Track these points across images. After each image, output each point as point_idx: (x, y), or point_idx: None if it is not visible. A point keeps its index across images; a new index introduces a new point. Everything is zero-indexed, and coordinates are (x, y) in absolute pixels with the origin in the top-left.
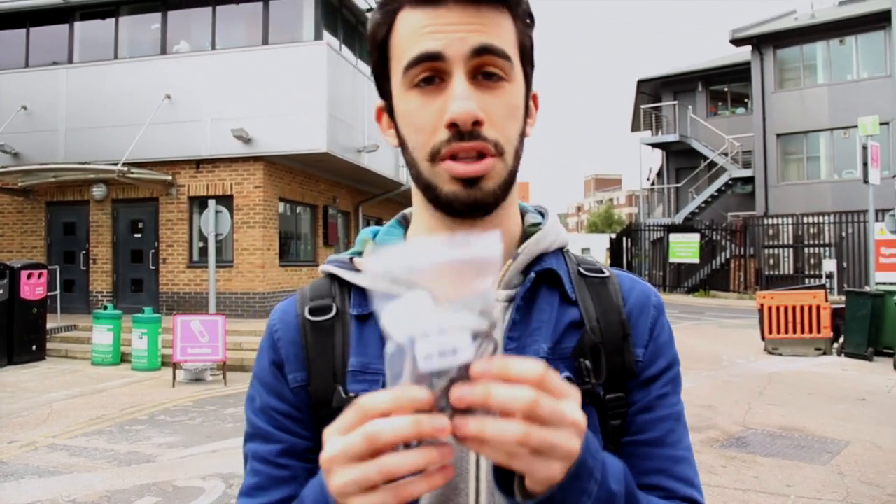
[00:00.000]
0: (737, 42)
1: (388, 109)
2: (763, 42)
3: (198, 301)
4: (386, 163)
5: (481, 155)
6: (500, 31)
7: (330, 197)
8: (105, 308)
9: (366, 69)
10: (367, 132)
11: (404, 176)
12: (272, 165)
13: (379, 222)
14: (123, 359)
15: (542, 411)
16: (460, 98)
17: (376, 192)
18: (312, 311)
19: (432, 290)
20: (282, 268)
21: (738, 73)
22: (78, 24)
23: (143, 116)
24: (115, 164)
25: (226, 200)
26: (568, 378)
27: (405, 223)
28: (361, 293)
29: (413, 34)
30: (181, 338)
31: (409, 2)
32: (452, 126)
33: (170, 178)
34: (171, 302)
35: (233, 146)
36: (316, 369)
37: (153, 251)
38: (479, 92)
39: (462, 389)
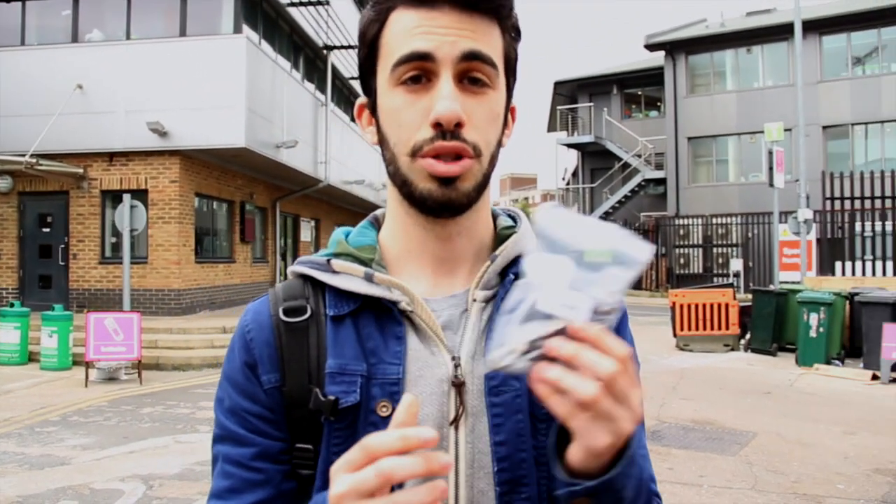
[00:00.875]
0: (651, 47)
1: (371, 106)
2: (676, 48)
3: (110, 298)
4: (304, 159)
5: (458, 156)
6: (488, 40)
7: (247, 193)
8: (11, 305)
9: (285, 64)
10: (285, 127)
11: (322, 172)
12: (189, 160)
13: (296, 219)
14: (31, 358)
15: (617, 386)
16: (446, 98)
17: (294, 188)
18: (287, 312)
19: (585, 259)
20: (198, 264)
21: (652, 78)
22: None
23: (52, 106)
24: (23, 155)
25: (140, 195)
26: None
27: (377, 224)
28: (337, 294)
29: (405, 33)
30: (94, 336)
31: (404, 2)
32: (436, 125)
33: (81, 170)
34: (81, 299)
35: (148, 139)
36: (290, 370)
37: (63, 246)
38: (463, 95)
39: (557, 341)
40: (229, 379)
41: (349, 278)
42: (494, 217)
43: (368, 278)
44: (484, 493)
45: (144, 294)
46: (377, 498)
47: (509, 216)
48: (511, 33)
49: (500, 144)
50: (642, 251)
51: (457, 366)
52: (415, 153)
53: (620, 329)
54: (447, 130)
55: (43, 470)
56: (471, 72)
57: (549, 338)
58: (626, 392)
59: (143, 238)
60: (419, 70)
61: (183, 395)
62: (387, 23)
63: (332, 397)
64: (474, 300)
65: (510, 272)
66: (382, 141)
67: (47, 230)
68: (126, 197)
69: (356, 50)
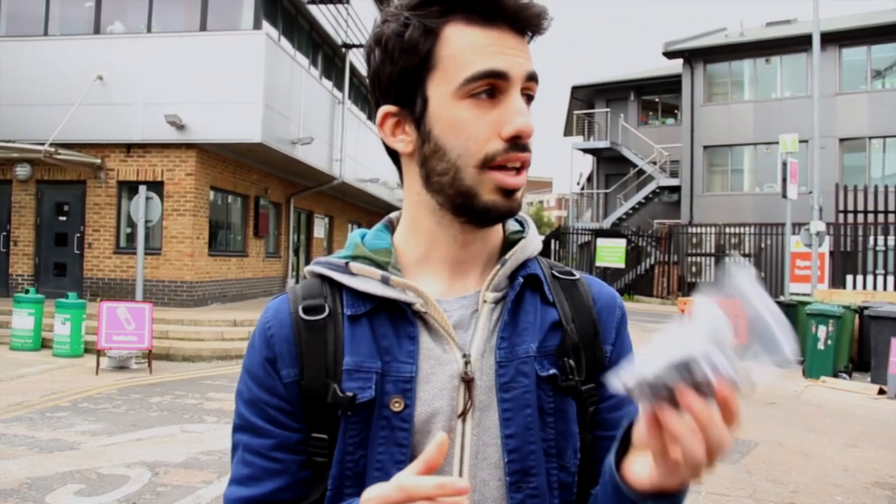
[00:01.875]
0: (669, 55)
1: (416, 115)
2: (694, 56)
3: (123, 288)
4: (319, 156)
5: (521, 167)
6: (532, 60)
7: (262, 188)
8: (27, 292)
9: (303, 61)
10: (301, 124)
11: (337, 170)
12: (205, 153)
13: (310, 215)
14: (44, 344)
15: (722, 454)
16: (525, 114)
17: (309, 184)
18: (306, 311)
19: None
20: (211, 257)
21: (670, 85)
22: None
23: (72, 96)
24: (42, 144)
25: (156, 187)
26: (553, 375)
27: (391, 227)
28: (354, 295)
29: (475, 50)
30: (106, 324)
31: (464, 19)
32: (514, 138)
33: (99, 161)
34: (95, 288)
35: (165, 132)
36: (309, 366)
37: (78, 235)
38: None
39: (696, 400)
40: (250, 372)
41: (366, 280)
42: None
43: (385, 281)
44: (486, 482)
45: (157, 285)
46: None
47: (517, 221)
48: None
49: None
50: (793, 348)
51: (467, 363)
52: (484, 164)
53: (620, 331)
54: (523, 143)
55: (52, 454)
56: (528, 90)
57: (684, 389)
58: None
59: (158, 230)
60: (492, 86)
61: (192, 385)
62: (442, 35)
63: (349, 393)
64: (485, 301)
65: (518, 275)
66: (436, 151)
67: (64, 219)
68: (142, 188)
69: (389, 55)
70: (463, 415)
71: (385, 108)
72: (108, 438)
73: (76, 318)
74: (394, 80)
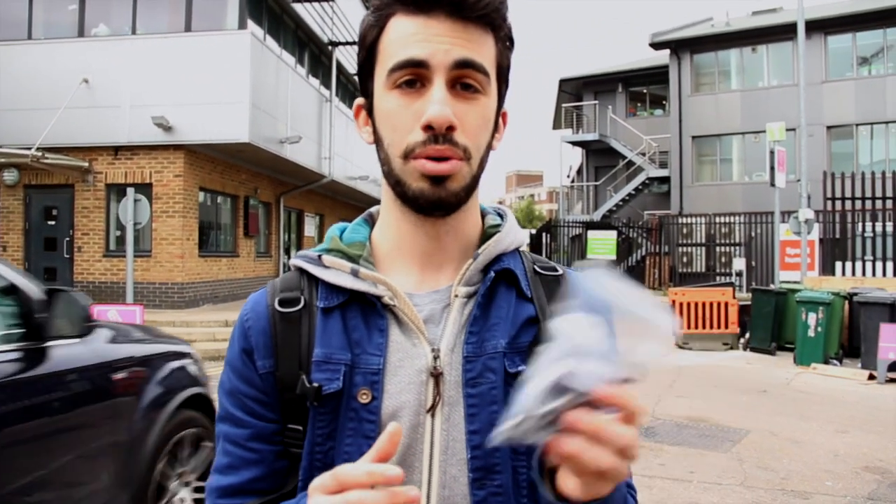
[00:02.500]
0: (656, 46)
1: (368, 107)
2: (681, 47)
3: (114, 291)
4: (308, 154)
5: (448, 157)
6: (481, 48)
7: (251, 187)
8: None
9: (289, 59)
10: (289, 123)
11: (326, 168)
12: (193, 154)
13: (300, 214)
14: None
15: (631, 451)
16: (438, 103)
17: (298, 183)
18: (282, 303)
19: (618, 326)
20: (201, 258)
21: (657, 76)
22: None
23: (59, 100)
24: (29, 148)
25: (145, 189)
26: (521, 371)
27: (371, 222)
28: (328, 288)
29: (402, 39)
30: None
31: (402, 10)
32: (428, 128)
33: (86, 164)
34: (85, 291)
35: (153, 133)
36: (283, 357)
37: (68, 239)
38: (455, 101)
39: (577, 414)
40: (230, 364)
41: (338, 273)
42: (484, 215)
43: (354, 273)
44: (456, 478)
45: (148, 287)
46: None
47: (498, 214)
48: (504, 42)
49: (489, 148)
50: (670, 324)
51: (436, 357)
52: (407, 155)
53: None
54: (439, 133)
55: None
56: (463, 78)
57: (569, 409)
58: (634, 448)
59: (148, 232)
60: (413, 75)
61: None
62: (385, 28)
63: (315, 384)
64: (456, 296)
65: (492, 269)
66: (378, 141)
67: (52, 223)
68: (130, 191)
69: (357, 51)
70: (432, 409)
71: (357, 101)
72: None
73: None
74: (358, 74)
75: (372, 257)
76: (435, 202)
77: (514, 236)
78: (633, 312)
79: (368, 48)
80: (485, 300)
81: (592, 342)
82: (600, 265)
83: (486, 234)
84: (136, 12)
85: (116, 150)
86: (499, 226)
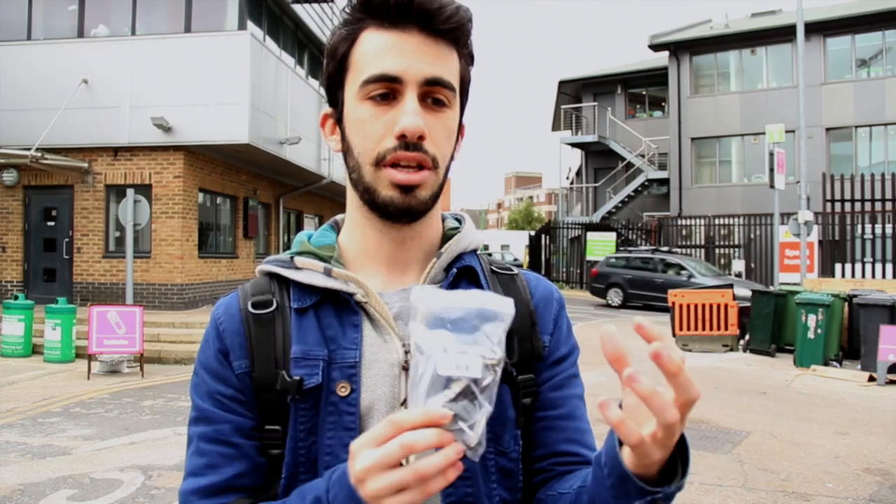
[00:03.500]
0: (655, 47)
1: (337, 117)
2: (680, 48)
3: (113, 292)
4: (307, 155)
5: (420, 167)
6: (448, 64)
7: (251, 188)
8: (16, 298)
9: (289, 60)
10: (289, 124)
11: (326, 169)
12: (192, 155)
13: (300, 215)
14: (35, 350)
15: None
16: (412, 113)
17: (297, 184)
18: (255, 305)
19: (461, 325)
20: (201, 259)
21: (656, 78)
22: None
23: (58, 101)
24: (28, 149)
25: (144, 190)
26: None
27: (336, 227)
28: (300, 289)
29: (376, 52)
30: (97, 329)
31: (375, 23)
32: (401, 137)
33: (86, 165)
34: (85, 292)
35: (152, 134)
36: (259, 357)
37: (67, 240)
38: (425, 113)
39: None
40: (204, 366)
41: (310, 273)
42: (443, 220)
43: (327, 273)
44: None
45: (147, 288)
46: (401, 468)
47: (455, 219)
48: (467, 59)
49: (452, 158)
50: (506, 306)
51: (406, 352)
52: (378, 162)
53: (558, 322)
54: (411, 142)
55: (44, 459)
56: (433, 94)
57: (457, 399)
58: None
59: (147, 233)
60: (387, 89)
61: (184, 388)
62: (357, 41)
63: (297, 377)
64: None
65: (454, 267)
66: (347, 150)
67: (52, 224)
68: (130, 192)
69: (325, 63)
70: (405, 402)
71: (324, 111)
72: (100, 443)
73: (66, 324)
74: (327, 85)
75: (341, 259)
76: (404, 210)
77: (472, 238)
78: (465, 314)
79: (339, 60)
80: None
81: (447, 344)
82: (420, 287)
83: (447, 236)
84: (136, 13)
85: (116, 151)
86: (456, 228)
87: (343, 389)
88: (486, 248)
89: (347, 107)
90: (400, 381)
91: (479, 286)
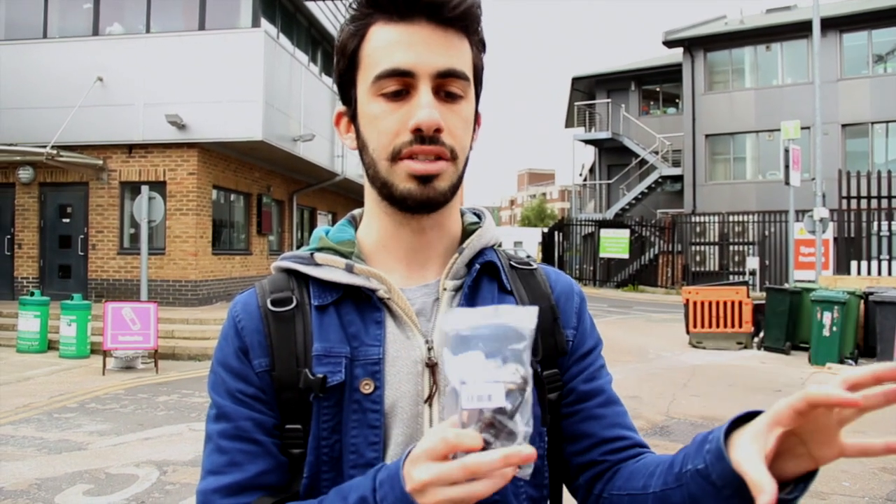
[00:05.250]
0: (669, 44)
1: (351, 114)
2: (694, 45)
3: (128, 288)
4: (321, 152)
5: (438, 158)
6: (460, 54)
7: (264, 185)
8: (32, 294)
9: (302, 58)
10: (302, 121)
11: (339, 166)
12: (206, 152)
13: (313, 212)
14: (51, 346)
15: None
16: (427, 107)
17: (311, 181)
18: (274, 303)
19: (485, 348)
20: (215, 256)
21: (670, 74)
22: (3, 1)
23: (73, 98)
24: (44, 146)
25: (158, 187)
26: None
27: (354, 223)
28: (320, 285)
29: (386, 47)
30: (112, 325)
31: (383, 18)
32: (417, 131)
33: (101, 162)
34: (100, 289)
35: (167, 132)
36: (279, 356)
37: (82, 237)
38: (440, 105)
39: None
40: (223, 364)
41: (331, 270)
42: (462, 214)
43: (349, 269)
44: None
45: (162, 285)
46: (460, 485)
47: (475, 214)
48: (478, 47)
49: (470, 148)
50: (528, 321)
51: (430, 348)
52: (394, 157)
53: (581, 316)
54: (427, 136)
55: (60, 454)
56: (446, 86)
57: (486, 430)
58: None
59: (161, 229)
60: (401, 84)
61: (198, 384)
62: (366, 37)
63: (320, 375)
64: (444, 289)
65: (476, 263)
66: (362, 147)
67: (67, 221)
68: (144, 188)
69: (335, 60)
70: (429, 399)
71: (337, 109)
72: (115, 438)
73: (82, 320)
74: (339, 83)
75: (361, 254)
76: (423, 201)
77: (493, 233)
78: (492, 333)
79: (350, 57)
80: (471, 292)
81: (475, 370)
82: (450, 310)
83: (467, 231)
84: (151, 11)
85: (130, 149)
86: (477, 223)
87: (367, 387)
88: (499, 245)
89: (361, 104)
90: (423, 378)
91: (499, 282)
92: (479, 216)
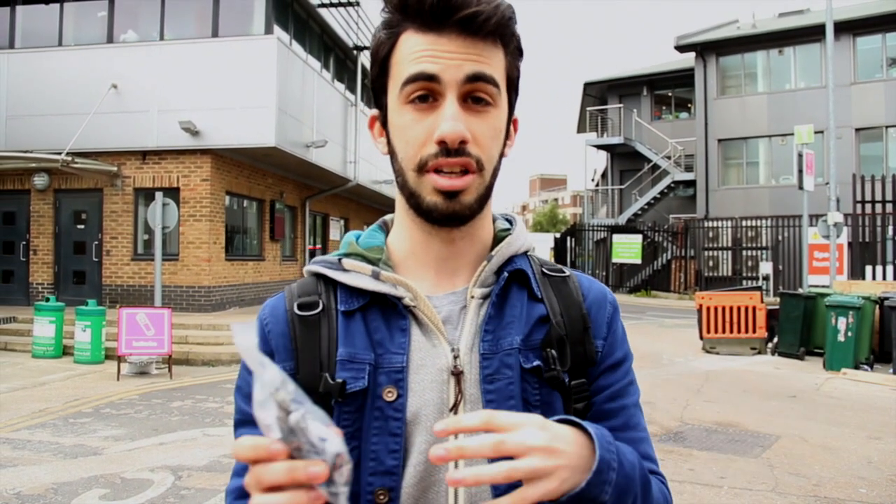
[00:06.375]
0: (681, 48)
1: (383, 120)
2: (706, 49)
3: (142, 294)
4: (333, 158)
5: (465, 171)
6: (491, 61)
7: (277, 191)
8: (47, 300)
9: (315, 64)
10: (315, 127)
11: (351, 172)
12: (220, 158)
13: (325, 218)
14: (66, 352)
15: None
16: (450, 119)
17: (324, 187)
18: (301, 307)
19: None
20: (228, 262)
21: (683, 79)
22: (20, 9)
23: (88, 105)
24: (59, 153)
25: (172, 193)
26: (537, 366)
27: (385, 228)
28: (347, 291)
29: (413, 55)
30: (126, 331)
31: (414, 26)
32: (441, 143)
33: (115, 169)
34: (114, 294)
35: (180, 138)
36: (303, 359)
37: (96, 243)
38: (467, 114)
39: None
40: (247, 368)
41: (358, 276)
42: (493, 220)
43: (375, 276)
44: None
45: (175, 290)
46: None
47: (507, 220)
48: (514, 53)
49: (501, 156)
50: (238, 335)
51: (456, 357)
52: (421, 168)
53: (612, 325)
54: (452, 148)
55: (76, 459)
56: (475, 92)
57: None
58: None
59: (175, 235)
60: (426, 90)
61: (212, 389)
62: (397, 44)
63: (339, 380)
64: (472, 297)
65: (505, 270)
66: (392, 153)
67: (82, 227)
68: (158, 195)
69: (370, 66)
70: (454, 408)
71: (371, 113)
72: (130, 443)
73: (96, 325)
74: (371, 88)
75: (390, 261)
76: (449, 215)
77: (524, 240)
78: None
79: (381, 64)
80: (499, 300)
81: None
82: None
83: (498, 238)
84: (164, 18)
85: (144, 155)
86: (508, 230)
87: (389, 394)
88: (532, 251)
89: (391, 111)
90: (449, 387)
91: (529, 289)
92: (510, 222)
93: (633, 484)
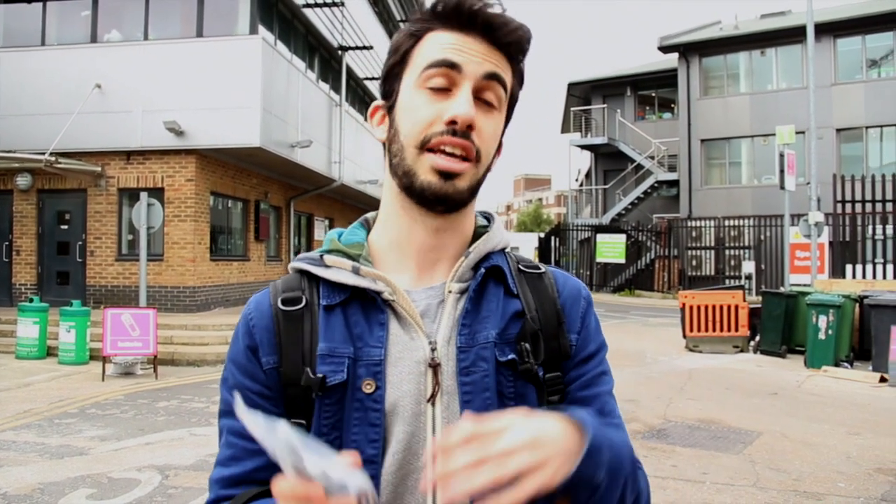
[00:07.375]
0: (665, 49)
1: (389, 106)
2: (689, 50)
3: (126, 294)
4: (318, 158)
5: (464, 158)
6: (504, 73)
7: (262, 191)
8: (30, 301)
9: (300, 64)
10: (300, 127)
11: (336, 172)
12: (204, 159)
13: (310, 218)
14: (50, 352)
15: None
16: (465, 102)
17: (308, 187)
18: (285, 302)
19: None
20: (213, 262)
21: (666, 80)
22: (2, 8)
23: (71, 105)
24: (42, 153)
25: (157, 193)
26: (512, 360)
27: (367, 226)
28: (329, 286)
29: (439, 46)
30: (111, 331)
31: (442, 26)
32: (451, 123)
33: (99, 169)
34: (98, 295)
35: (165, 138)
36: (287, 353)
37: (80, 243)
38: (477, 108)
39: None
40: (233, 361)
41: (339, 272)
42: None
43: (355, 271)
44: None
45: (160, 291)
46: None
47: (484, 217)
48: (518, 77)
49: (493, 160)
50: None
51: (433, 349)
52: (423, 145)
53: (585, 320)
54: (460, 130)
55: (62, 459)
56: (487, 91)
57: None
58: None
59: (159, 236)
60: (445, 77)
61: (197, 389)
62: (422, 39)
63: (320, 375)
64: (450, 292)
65: (482, 266)
66: (393, 136)
67: (65, 227)
68: (143, 195)
69: (386, 57)
70: (432, 399)
71: (376, 102)
72: (117, 443)
73: (81, 326)
74: (384, 77)
75: (370, 257)
76: (441, 196)
77: (501, 237)
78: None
79: (402, 54)
80: (476, 295)
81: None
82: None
83: (477, 234)
84: (149, 18)
85: (129, 155)
86: (486, 226)
87: (368, 386)
88: (508, 248)
89: (402, 94)
90: (426, 378)
91: (506, 285)
92: (488, 219)
93: (624, 464)
